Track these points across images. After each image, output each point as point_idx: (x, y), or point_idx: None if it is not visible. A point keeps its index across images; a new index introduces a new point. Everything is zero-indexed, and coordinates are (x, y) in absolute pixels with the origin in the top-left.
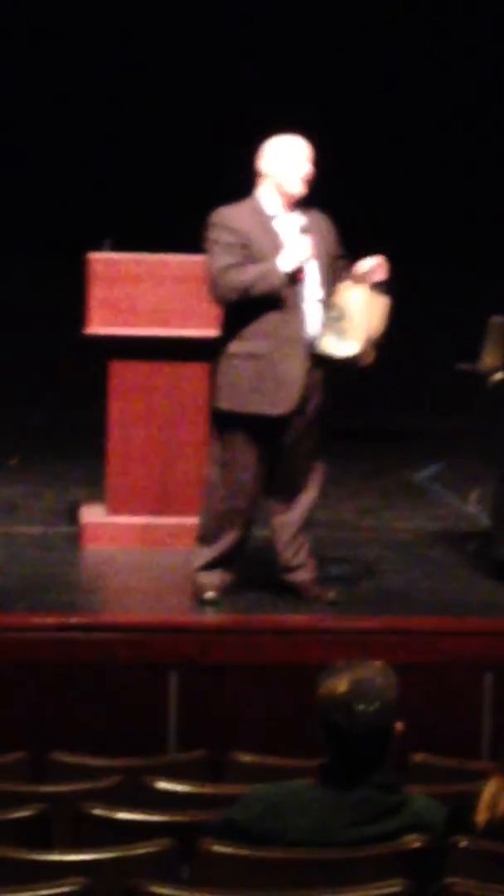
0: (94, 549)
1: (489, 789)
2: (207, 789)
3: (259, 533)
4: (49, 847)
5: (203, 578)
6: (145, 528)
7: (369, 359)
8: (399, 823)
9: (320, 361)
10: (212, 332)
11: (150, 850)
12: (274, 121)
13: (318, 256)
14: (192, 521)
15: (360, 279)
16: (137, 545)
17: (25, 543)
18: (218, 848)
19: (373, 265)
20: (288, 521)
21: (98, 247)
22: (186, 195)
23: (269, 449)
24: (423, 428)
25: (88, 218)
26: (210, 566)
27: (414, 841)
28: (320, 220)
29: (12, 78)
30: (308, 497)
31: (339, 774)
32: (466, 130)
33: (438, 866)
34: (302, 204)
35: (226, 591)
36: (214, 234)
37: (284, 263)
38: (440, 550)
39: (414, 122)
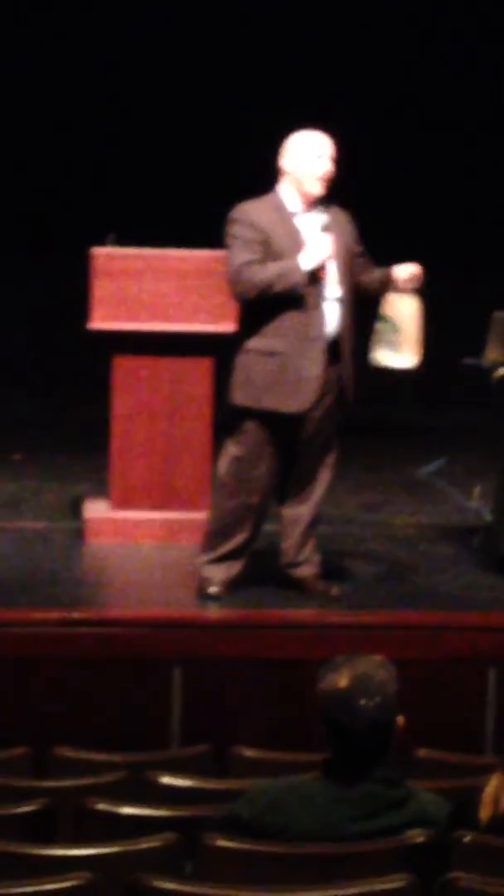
0: (97, 544)
1: (493, 784)
2: (211, 784)
3: (263, 528)
4: (52, 842)
5: (209, 572)
6: (149, 523)
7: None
8: (403, 818)
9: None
10: (215, 327)
11: (154, 844)
12: (278, 115)
13: (338, 254)
14: (195, 515)
15: (403, 288)
16: (141, 540)
17: (29, 538)
18: (222, 843)
19: (412, 273)
20: (298, 516)
21: (101, 242)
22: (190, 190)
23: (283, 445)
24: (426, 423)
25: (91, 213)
26: (217, 560)
27: (418, 836)
28: (341, 217)
29: (16, 72)
30: (319, 492)
31: (342, 769)
32: (467, 127)
33: (442, 861)
34: (323, 200)
35: (230, 586)
36: (234, 230)
37: (305, 262)
38: (443, 545)
39: (413, 119)
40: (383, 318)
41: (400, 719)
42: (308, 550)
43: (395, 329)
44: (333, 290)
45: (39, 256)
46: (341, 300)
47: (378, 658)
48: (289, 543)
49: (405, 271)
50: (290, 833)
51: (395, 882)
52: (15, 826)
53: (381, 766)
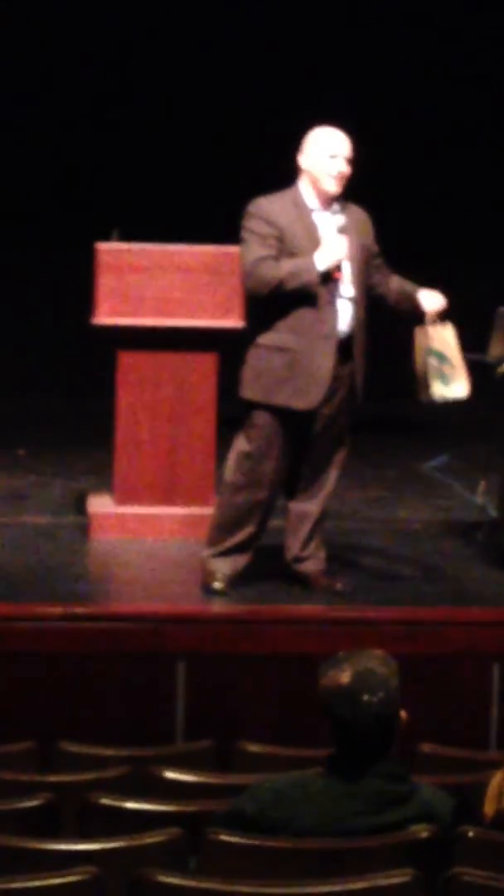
0: (101, 539)
1: (497, 779)
2: (215, 779)
3: (270, 523)
4: (57, 836)
5: (214, 565)
6: (153, 518)
7: None
8: (407, 813)
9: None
10: (220, 322)
11: (158, 839)
12: (282, 112)
13: (354, 255)
14: (199, 511)
15: (436, 319)
16: (145, 535)
17: (33, 533)
18: (225, 837)
19: (440, 307)
20: (306, 512)
21: (106, 237)
22: (195, 186)
23: (293, 441)
24: (431, 418)
25: (96, 208)
26: (223, 554)
27: (422, 831)
28: (359, 216)
29: (21, 68)
30: (328, 489)
31: (346, 765)
32: (469, 123)
33: (446, 856)
34: (341, 198)
35: (235, 580)
36: (250, 224)
37: (320, 261)
38: (448, 541)
39: (414, 116)
40: (433, 353)
41: (403, 714)
42: (314, 546)
43: (442, 361)
44: (347, 289)
45: (44, 252)
46: (354, 299)
47: (379, 653)
48: (295, 539)
49: (433, 304)
50: (294, 828)
51: (398, 877)
52: (19, 820)
53: (385, 762)
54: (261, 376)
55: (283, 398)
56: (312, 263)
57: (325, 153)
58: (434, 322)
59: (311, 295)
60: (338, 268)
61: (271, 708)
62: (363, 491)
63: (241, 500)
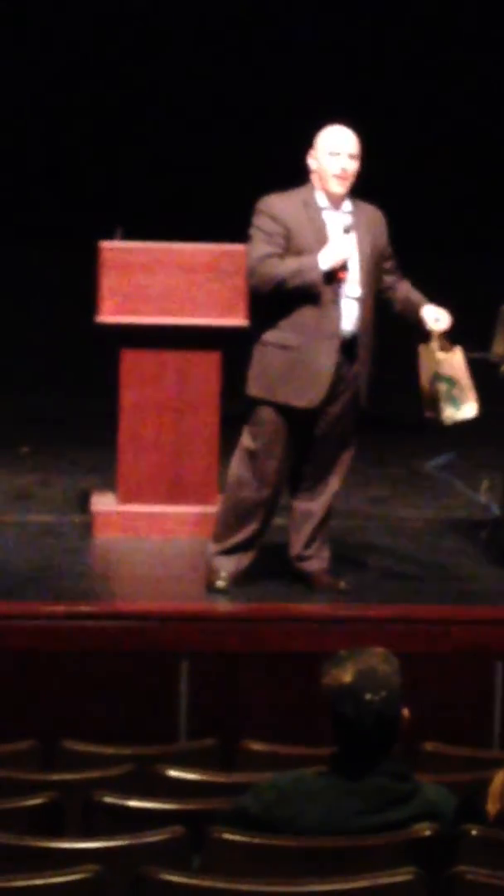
0: (104, 538)
1: (500, 778)
2: (218, 777)
3: (273, 521)
4: (60, 835)
5: (218, 563)
6: (156, 517)
7: None
8: (410, 812)
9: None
10: (223, 320)
11: (162, 837)
12: (288, 109)
13: (363, 254)
14: (202, 509)
15: (444, 341)
16: (148, 534)
17: (36, 531)
18: (229, 836)
19: (446, 323)
20: (310, 511)
21: (109, 235)
22: (199, 184)
23: (298, 439)
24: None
25: (100, 206)
26: (227, 552)
27: (424, 829)
28: (372, 215)
29: (26, 65)
30: (332, 489)
31: (349, 763)
32: (470, 118)
33: (449, 855)
34: (352, 197)
35: (238, 579)
36: (258, 221)
37: (323, 261)
38: (451, 539)
39: (414, 112)
40: (443, 379)
41: (405, 712)
42: (317, 545)
43: (452, 385)
44: (353, 288)
45: (48, 250)
46: (361, 300)
47: (381, 651)
48: (298, 537)
49: (437, 324)
50: (297, 826)
51: (401, 875)
52: (23, 819)
53: (388, 760)
54: (264, 373)
55: (285, 396)
56: (316, 262)
57: (326, 151)
58: (443, 346)
59: (314, 294)
60: (342, 267)
61: (274, 706)
62: (366, 490)
63: (245, 497)
